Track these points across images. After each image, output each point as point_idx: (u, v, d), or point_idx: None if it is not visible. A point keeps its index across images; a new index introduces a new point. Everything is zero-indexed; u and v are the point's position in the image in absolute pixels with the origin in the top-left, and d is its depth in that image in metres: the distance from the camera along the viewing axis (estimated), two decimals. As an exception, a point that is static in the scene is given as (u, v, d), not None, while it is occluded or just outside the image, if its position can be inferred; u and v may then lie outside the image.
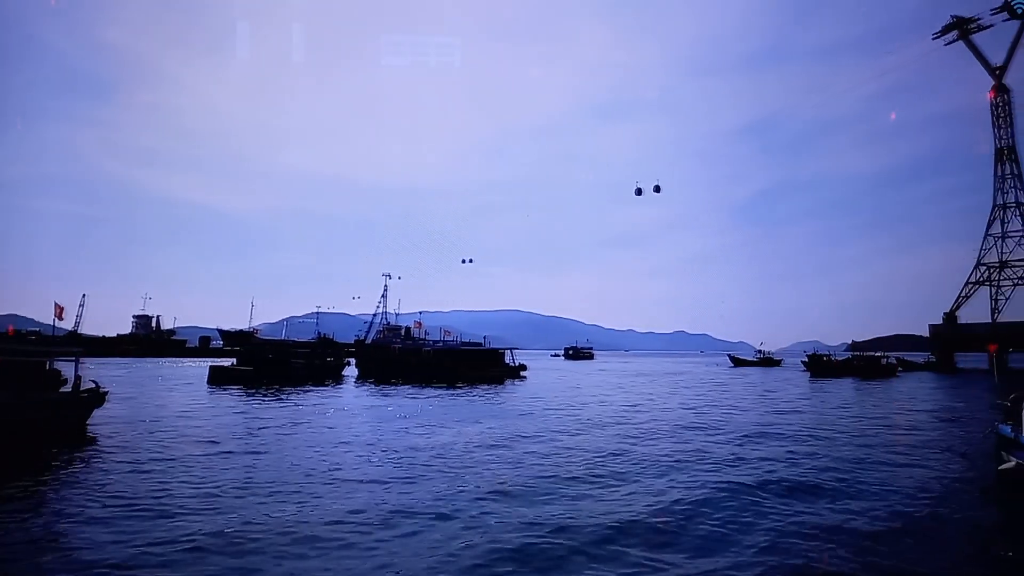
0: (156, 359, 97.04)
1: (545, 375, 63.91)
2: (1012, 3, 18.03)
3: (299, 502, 10.80)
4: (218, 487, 11.82)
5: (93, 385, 19.55)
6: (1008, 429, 12.91)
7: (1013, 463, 12.19)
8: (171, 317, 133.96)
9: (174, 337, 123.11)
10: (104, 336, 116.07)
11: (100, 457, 14.76)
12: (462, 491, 11.77)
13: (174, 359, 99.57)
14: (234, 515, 9.94)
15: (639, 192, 48.57)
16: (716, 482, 12.79)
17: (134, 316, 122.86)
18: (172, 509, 10.26)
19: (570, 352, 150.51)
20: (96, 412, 19.91)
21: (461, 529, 9.41)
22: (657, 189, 46.63)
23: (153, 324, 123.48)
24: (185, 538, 8.75)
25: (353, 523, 9.58)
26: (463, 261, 77.36)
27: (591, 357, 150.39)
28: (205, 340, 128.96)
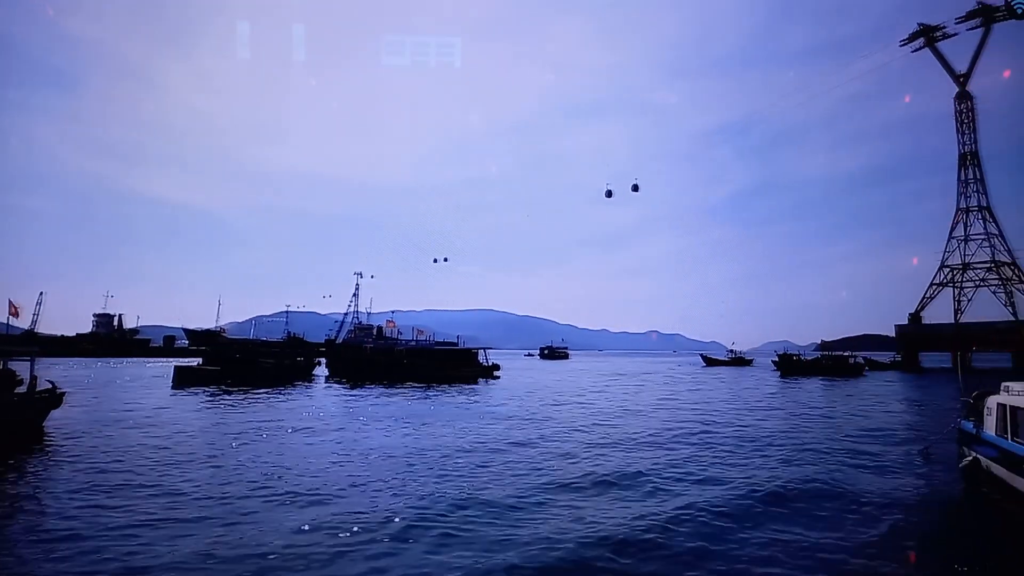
0: (118, 359, 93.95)
1: (520, 375, 63.43)
2: (1012, 3, 18.36)
3: (264, 514, 10.05)
4: (180, 497, 10.95)
5: (50, 386, 18.94)
6: (970, 425, 13.26)
7: (972, 457, 12.64)
8: (134, 316, 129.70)
9: (137, 336, 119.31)
10: (63, 336, 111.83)
11: (55, 462, 13.97)
12: (436, 500, 11.07)
13: (137, 359, 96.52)
14: (195, 528, 9.19)
15: (609, 194, 48.84)
16: (693, 481, 12.49)
17: (95, 315, 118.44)
18: (130, 520, 9.50)
19: (545, 352, 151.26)
20: (53, 414, 19.25)
21: (436, 543, 8.75)
22: (635, 188, 46.47)
23: (115, 323, 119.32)
24: (142, 555, 8.01)
25: (320, 538, 8.82)
26: (435, 260, 76.32)
27: (566, 357, 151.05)
28: (170, 340, 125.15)
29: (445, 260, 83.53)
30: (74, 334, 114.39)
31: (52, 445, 16.12)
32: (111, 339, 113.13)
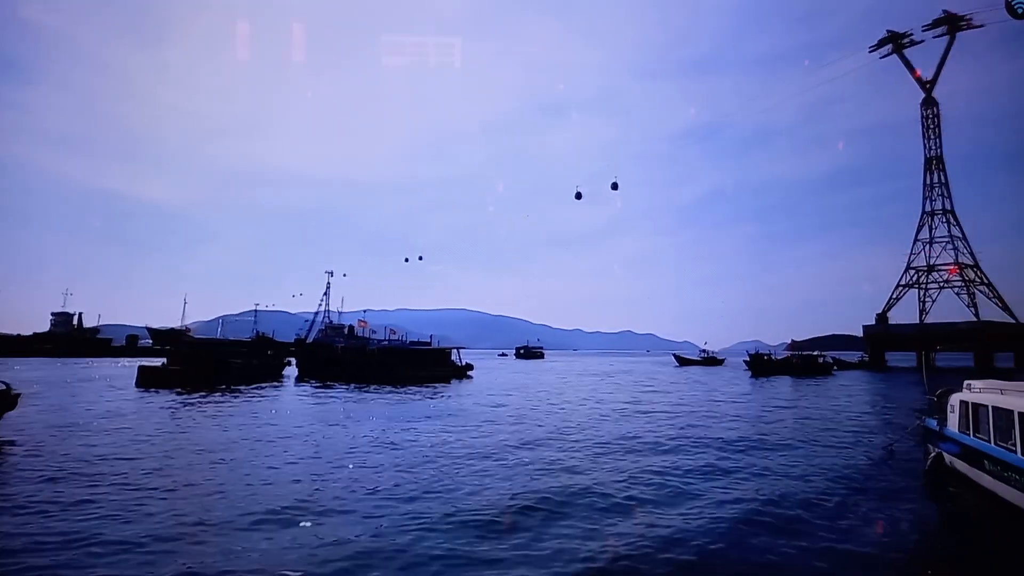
0: (78, 359, 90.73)
1: (495, 375, 63.03)
2: (1012, 3, 18.42)
3: (232, 530, 9.04)
4: (139, 513, 9.80)
5: (3, 386, 18.03)
6: (934, 423, 13.54)
7: (936, 453, 12.99)
8: (95, 315, 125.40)
9: (98, 336, 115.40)
10: (19, 335, 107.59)
11: (6, 468, 13.08)
12: (420, 513, 10.31)
13: (98, 359, 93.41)
14: (159, 545, 8.28)
15: (579, 196, 49.31)
16: (667, 485, 12.22)
17: (53, 314, 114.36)
18: (88, 533, 8.64)
19: (521, 351, 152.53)
20: (8, 415, 18.24)
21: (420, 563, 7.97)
22: (615, 187, 46.25)
23: (74, 322, 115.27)
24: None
25: (297, 560, 7.88)
26: (406, 260, 74.97)
27: (542, 356, 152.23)
28: (132, 339, 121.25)
29: (420, 259, 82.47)
30: (31, 333, 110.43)
31: (4, 450, 15.11)
32: (70, 338, 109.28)
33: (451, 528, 9.30)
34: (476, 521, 9.70)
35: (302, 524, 9.42)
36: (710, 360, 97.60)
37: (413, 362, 52.74)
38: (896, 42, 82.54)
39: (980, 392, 11.45)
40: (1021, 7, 14.50)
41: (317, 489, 11.66)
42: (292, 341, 72.80)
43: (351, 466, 13.95)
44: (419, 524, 9.47)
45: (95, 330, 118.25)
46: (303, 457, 15.05)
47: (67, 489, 11.24)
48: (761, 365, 66.01)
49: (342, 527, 9.25)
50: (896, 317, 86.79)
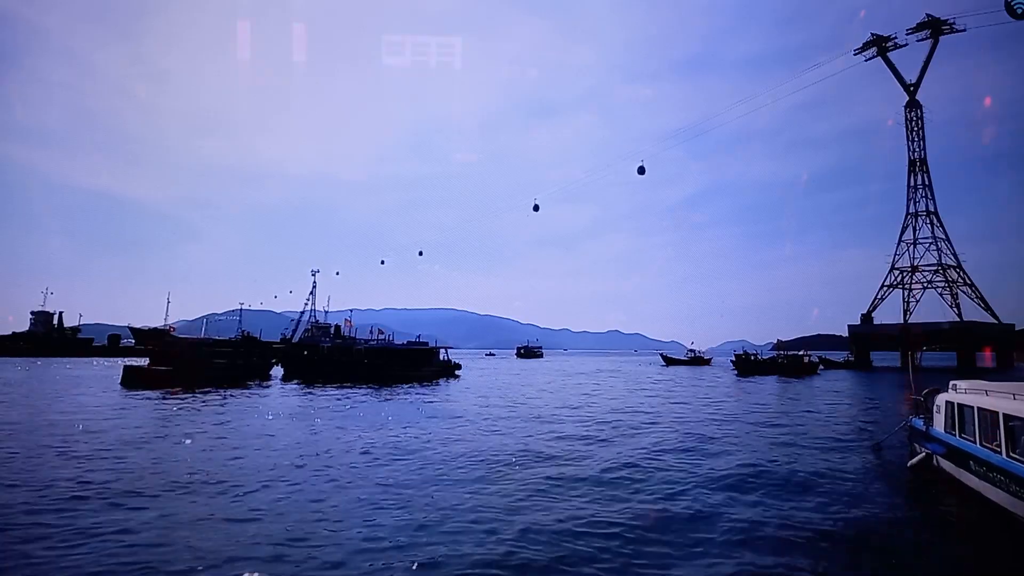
0: (59, 359, 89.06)
1: (483, 375, 62.66)
2: (1013, 4, 18.60)
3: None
4: (111, 527, 9.17)
5: None
6: (920, 422, 13.59)
7: (924, 454, 12.94)
8: (75, 314, 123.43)
9: (79, 336, 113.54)
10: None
11: None
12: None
13: (79, 359, 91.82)
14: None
15: (536, 208, 50.78)
16: (655, 480, 12.01)
17: (32, 312, 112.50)
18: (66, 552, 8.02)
19: (522, 351, 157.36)
20: None
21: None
22: (641, 171, 45.92)
23: (55, 321, 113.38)
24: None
25: None
26: (382, 262, 75.29)
27: (541, 356, 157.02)
28: (115, 339, 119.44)
29: (420, 254, 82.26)
30: (9, 333, 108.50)
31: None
32: (49, 338, 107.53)
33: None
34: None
35: (292, 528, 9.07)
36: (697, 360, 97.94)
37: (400, 362, 52.30)
38: (880, 45, 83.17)
39: (965, 393, 11.43)
40: (1021, 7, 14.43)
41: (295, 499, 11.30)
42: (278, 340, 72.19)
43: (338, 476, 13.46)
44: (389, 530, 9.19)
45: (76, 329, 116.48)
46: (283, 464, 14.57)
47: (23, 496, 10.75)
48: (747, 365, 66.31)
49: (324, 531, 8.94)
50: (881, 317, 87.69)
